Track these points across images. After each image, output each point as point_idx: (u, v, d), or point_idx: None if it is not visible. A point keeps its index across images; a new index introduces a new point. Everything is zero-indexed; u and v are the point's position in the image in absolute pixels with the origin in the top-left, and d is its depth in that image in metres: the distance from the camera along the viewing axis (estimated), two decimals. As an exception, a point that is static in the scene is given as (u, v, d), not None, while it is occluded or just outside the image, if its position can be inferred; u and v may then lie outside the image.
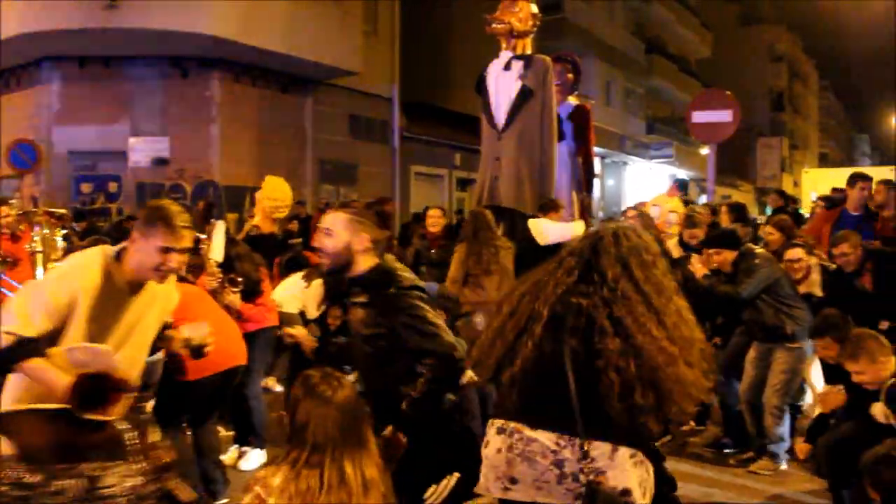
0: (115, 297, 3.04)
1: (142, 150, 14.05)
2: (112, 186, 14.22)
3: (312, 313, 6.41)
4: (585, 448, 2.32)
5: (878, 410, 4.28)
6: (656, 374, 2.34)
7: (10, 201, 6.94)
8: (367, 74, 16.38)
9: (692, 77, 40.40)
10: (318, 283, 6.30)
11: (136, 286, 3.11)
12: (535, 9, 8.35)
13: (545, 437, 2.37)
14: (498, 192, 8.23)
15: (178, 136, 14.15)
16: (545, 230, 7.27)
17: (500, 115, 8.02)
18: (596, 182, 11.70)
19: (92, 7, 12.31)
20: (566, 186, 8.81)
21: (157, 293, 3.22)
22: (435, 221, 7.95)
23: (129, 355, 3.09)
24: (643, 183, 33.13)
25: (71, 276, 2.99)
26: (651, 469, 2.41)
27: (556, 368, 2.38)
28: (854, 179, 7.61)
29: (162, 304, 3.31)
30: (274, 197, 7.08)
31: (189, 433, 5.02)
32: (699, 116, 11.50)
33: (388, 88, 18.26)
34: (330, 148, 16.78)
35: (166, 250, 3.01)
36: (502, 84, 8.04)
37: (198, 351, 3.47)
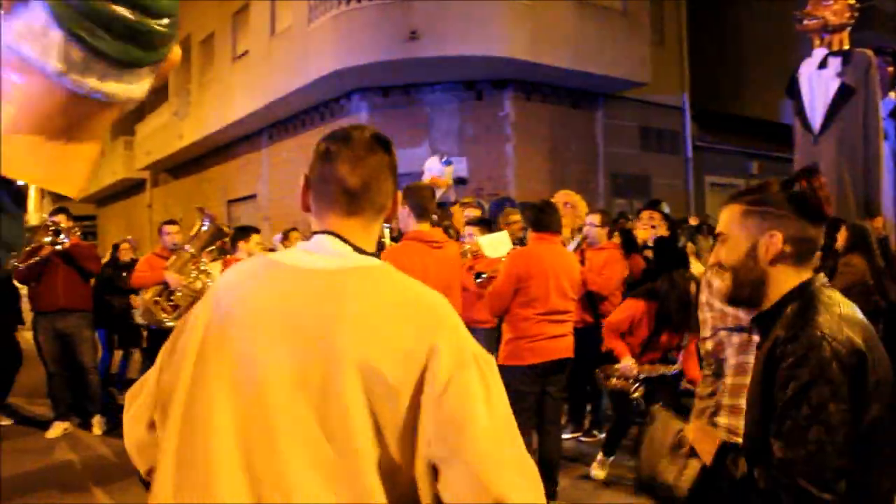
0: None
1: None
2: (418, 207, 15.01)
3: None
4: None
5: None
6: None
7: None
8: (655, 85, 16.09)
9: None
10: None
11: None
12: (851, -1, 7.75)
13: None
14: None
15: (474, 155, 14.69)
16: None
17: (816, 118, 7.49)
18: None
19: (394, 40, 13.18)
20: (891, 189, 8.07)
21: None
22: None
23: None
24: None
25: None
26: None
27: None
28: None
29: None
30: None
31: None
32: None
33: (677, 98, 17.85)
34: (621, 161, 16.64)
35: None
36: (817, 84, 7.50)
37: None
